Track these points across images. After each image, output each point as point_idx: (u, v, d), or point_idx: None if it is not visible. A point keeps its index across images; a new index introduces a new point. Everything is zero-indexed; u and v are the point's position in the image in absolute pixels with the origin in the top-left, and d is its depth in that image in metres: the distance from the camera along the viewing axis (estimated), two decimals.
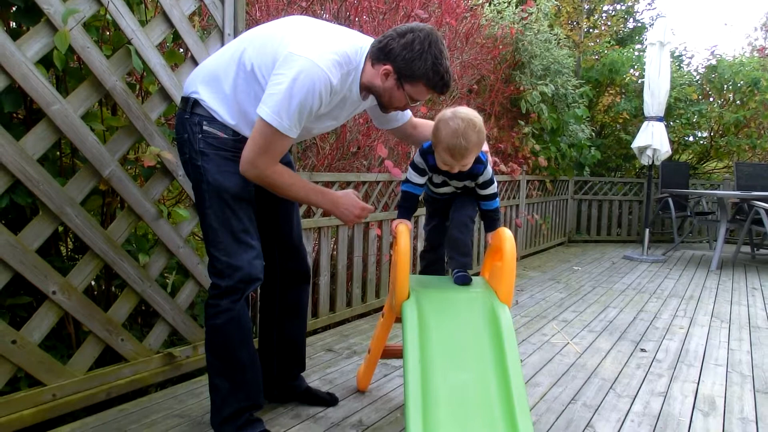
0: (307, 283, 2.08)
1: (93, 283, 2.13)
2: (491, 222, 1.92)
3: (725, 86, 7.70)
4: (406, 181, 1.93)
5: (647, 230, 6.06)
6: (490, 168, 1.86)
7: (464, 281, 1.85)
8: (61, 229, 2.00)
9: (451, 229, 1.94)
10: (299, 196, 1.71)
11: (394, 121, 1.98)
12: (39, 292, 1.79)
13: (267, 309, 2.04)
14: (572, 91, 5.88)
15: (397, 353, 2.17)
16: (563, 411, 2.12)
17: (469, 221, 1.93)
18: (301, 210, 2.83)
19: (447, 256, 1.96)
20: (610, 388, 2.36)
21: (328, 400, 2.09)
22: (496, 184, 1.90)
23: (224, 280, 1.68)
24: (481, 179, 1.86)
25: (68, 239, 2.16)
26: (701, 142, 8.08)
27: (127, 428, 1.85)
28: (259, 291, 2.13)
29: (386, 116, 1.92)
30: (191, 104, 1.68)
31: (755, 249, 6.36)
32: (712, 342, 3.06)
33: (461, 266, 1.89)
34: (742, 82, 7.40)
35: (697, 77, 7.95)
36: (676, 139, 7.57)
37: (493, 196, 1.90)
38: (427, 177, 1.92)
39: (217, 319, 1.70)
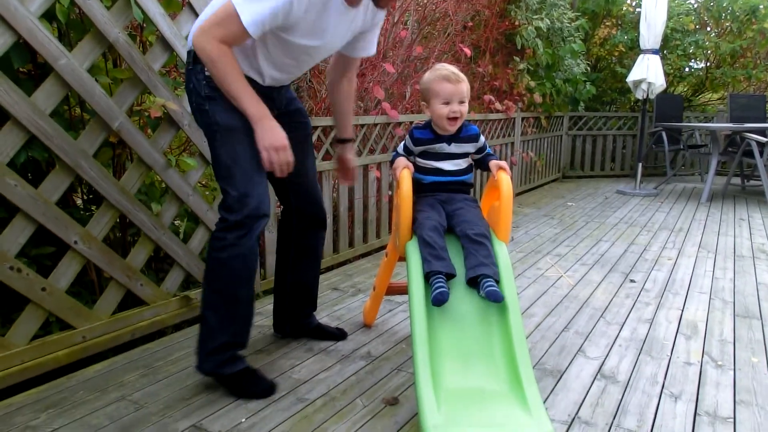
0: (322, 228, 2.13)
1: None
2: (492, 158, 2.00)
3: (723, 15, 7.58)
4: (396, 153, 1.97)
5: (640, 164, 6.15)
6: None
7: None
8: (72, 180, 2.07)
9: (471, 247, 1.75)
10: (231, 91, 1.63)
11: (360, 48, 1.94)
12: (61, 242, 1.88)
13: (282, 251, 2.14)
14: (568, 25, 5.80)
15: (401, 290, 2.31)
16: (556, 338, 2.28)
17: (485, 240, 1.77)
18: None
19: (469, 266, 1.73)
20: (601, 316, 2.52)
21: (338, 335, 2.23)
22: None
23: (233, 215, 1.71)
24: (481, 140, 1.97)
25: (81, 191, 2.24)
26: (697, 73, 8.03)
27: (153, 365, 1.99)
28: (276, 234, 2.20)
29: (357, 42, 1.89)
30: (193, 56, 1.70)
31: (745, 180, 6.48)
32: (697, 271, 3.22)
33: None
34: (740, 11, 7.28)
35: (696, 5, 7.80)
36: (672, 71, 7.53)
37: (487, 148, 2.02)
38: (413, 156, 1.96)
39: (223, 252, 1.72)
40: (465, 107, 1.87)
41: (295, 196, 2.06)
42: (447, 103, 1.84)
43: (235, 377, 1.80)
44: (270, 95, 1.81)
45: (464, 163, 1.97)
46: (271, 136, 1.66)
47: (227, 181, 1.72)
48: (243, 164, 1.72)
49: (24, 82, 1.84)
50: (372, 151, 3.45)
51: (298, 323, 2.22)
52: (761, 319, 2.51)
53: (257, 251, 1.82)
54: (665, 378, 1.95)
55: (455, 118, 1.86)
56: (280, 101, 1.89)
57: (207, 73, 1.68)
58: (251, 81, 1.73)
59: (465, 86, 1.87)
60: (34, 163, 1.97)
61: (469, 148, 1.96)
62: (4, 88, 1.66)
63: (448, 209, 1.88)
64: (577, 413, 1.72)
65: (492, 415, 1.41)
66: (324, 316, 2.48)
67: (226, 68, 1.59)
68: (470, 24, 5.06)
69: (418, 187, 1.95)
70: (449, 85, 1.83)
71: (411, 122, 3.74)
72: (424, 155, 1.95)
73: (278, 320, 2.22)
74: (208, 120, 1.73)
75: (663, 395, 1.83)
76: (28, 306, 1.80)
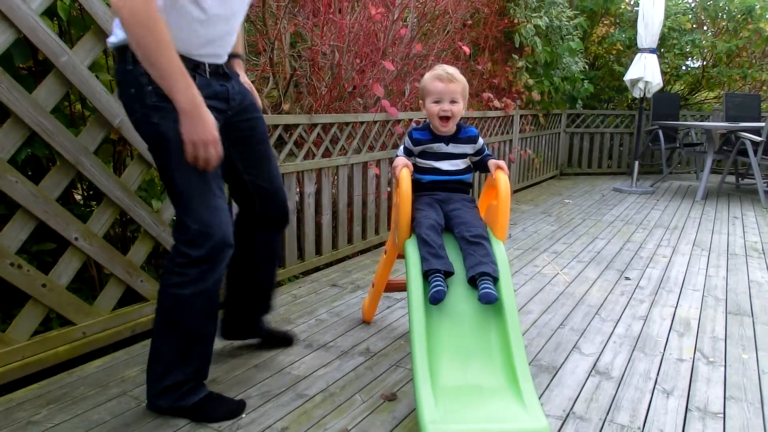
0: (283, 226, 1.96)
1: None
2: (490, 157, 2.03)
3: (720, 14, 7.61)
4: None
5: (636, 162, 6.18)
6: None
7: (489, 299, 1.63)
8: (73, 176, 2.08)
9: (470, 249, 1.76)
10: (160, 64, 1.34)
11: None
12: (62, 238, 1.90)
13: (241, 254, 1.87)
14: (566, 23, 5.82)
15: (400, 287, 2.33)
16: (552, 335, 2.31)
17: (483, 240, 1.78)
18: (302, 152, 2.91)
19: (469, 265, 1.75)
20: (596, 313, 2.55)
21: (287, 339, 2.13)
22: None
23: (195, 249, 1.51)
24: (480, 142, 1.99)
25: (82, 188, 2.25)
26: (693, 72, 8.07)
27: None
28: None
29: None
30: (131, 54, 1.40)
31: (740, 179, 6.53)
32: (691, 269, 3.25)
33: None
34: (736, 10, 7.31)
35: (693, 4, 7.83)
36: (668, 70, 7.55)
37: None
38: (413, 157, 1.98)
39: (184, 289, 1.53)
40: (457, 107, 1.89)
41: (261, 203, 1.86)
42: (438, 102, 1.88)
43: (196, 405, 1.62)
44: (225, 95, 1.62)
45: (462, 164, 1.99)
46: (202, 130, 1.43)
47: (184, 210, 1.51)
48: (201, 193, 1.51)
49: (25, 79, 1.85)
50: (371, 149, 3.47)
51: (250, 328, 2.06)
52: (752, 316, 2.54)
53: (221, 283, 1.62)
54: (658, 374, 1.98)
55: (447, 118, 1.90)
56: (234, 98, 1.67)
57: None
58: (213, 68, 1.55)
59: (458, 86, 1.88)
60: (34, 160, 1.98)
61: (468, 149, 1.98)
62: (6, 86, 1.67)
63: (446, 209, 1.90)
64: (571, 408, 1.74)
65: (488, 411, 1.44)
66: (323, 312, 2.50)
67: (155, 33, 1.28)
68: (469, 22, 5.07)
69: (418, 187, 1.97)
70: (440, 84, 1.87)
71: (410, 120, 3.76)
72: (423, 155, 1.98)
73: (229, 322, 2.02)
74: (157, 135, 1.47)
75: (655, 391, 1.86)
76: (28, 302, 1.81)
